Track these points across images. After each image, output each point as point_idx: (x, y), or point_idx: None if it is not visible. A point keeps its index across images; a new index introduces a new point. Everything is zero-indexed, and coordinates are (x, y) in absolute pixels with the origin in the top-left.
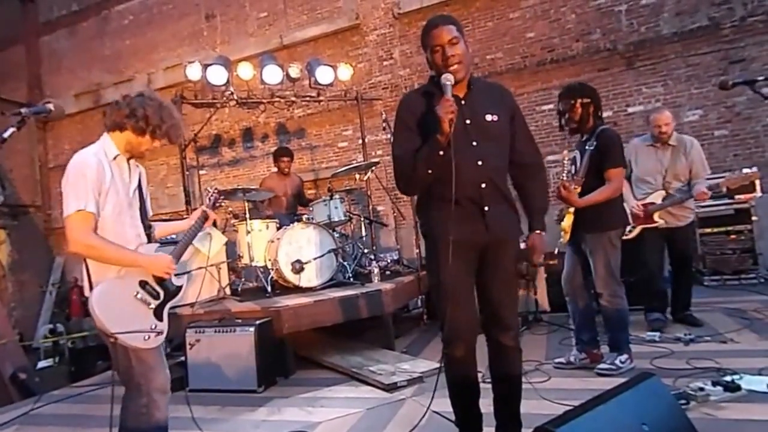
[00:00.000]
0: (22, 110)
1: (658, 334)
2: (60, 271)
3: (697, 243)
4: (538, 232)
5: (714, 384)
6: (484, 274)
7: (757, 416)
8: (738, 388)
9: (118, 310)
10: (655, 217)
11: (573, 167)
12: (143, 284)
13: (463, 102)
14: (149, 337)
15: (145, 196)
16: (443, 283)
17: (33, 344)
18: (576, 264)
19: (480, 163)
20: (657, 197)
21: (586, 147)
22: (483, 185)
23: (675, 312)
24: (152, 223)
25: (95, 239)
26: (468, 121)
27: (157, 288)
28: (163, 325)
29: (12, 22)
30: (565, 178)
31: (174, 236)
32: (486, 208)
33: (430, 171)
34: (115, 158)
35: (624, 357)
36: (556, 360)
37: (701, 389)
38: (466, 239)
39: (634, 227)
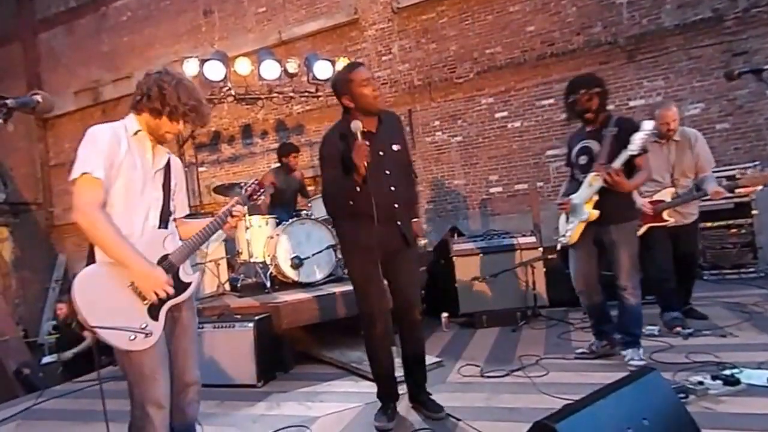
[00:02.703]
0: (8, 101)
1: (657, 328)
2: (63, 269)
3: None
4: (416, 220)
5: (713, 378)
6: (394, 270)
7: (757, 410)
8: (738, 382)
9: (104, 299)
10: (665, 215)
11: (585, 157)
12: None
13: (374, 134)
14: (135, 338)
15: (174, 187)
16: (361, 280)
17: (38, 340)
18: (593, 259)
19: (393, 188)
20: (666, 195)
21: (603, 134)
22: (396, 205)
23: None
24: (173, 216)
25: (97, 215)
26: (381, 153)
27: None
28: (157, 327)
29: (9, 20)
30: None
31: None
32: (399, 223)
33: (351, 202)
34: (135, 134)
35: (642, 350)
36: (579, 351)
37: (701, 383)
38: (382, 245)
39: (640, 226)
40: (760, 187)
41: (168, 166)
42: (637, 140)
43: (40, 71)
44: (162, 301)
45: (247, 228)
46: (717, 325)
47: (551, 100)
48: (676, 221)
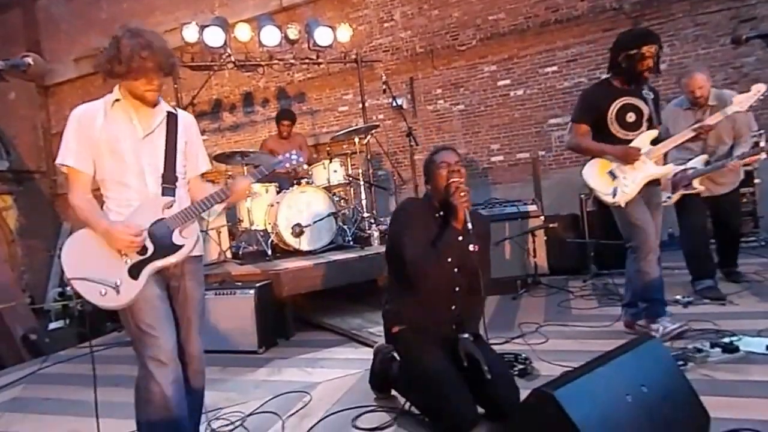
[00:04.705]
0: None
1: None
2: (67, 236)
3: None
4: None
5: (713, 345)
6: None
7: (755, 377)
8: (737, 349)
9: (86, 256)
10: (695, 183)
11: (632, 114)
12: None
13: (460, 239)
14: (106, 293)
15: (180, 147)
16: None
17: (44, 307)
18: None
19: (453, 307)
20: (699, 162)
21: (645, 95)
22: (453, 326)
23: (721, 266)
24: (178, 180)
25: (75, 199)
26: (456, 269)
27: (146, 241)
28: (134, 286)
29: None
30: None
31: None
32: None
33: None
34: (116, 103)
35: None
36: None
37: (699, 350)
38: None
39: (673, 194)
40: (763, 156)
41: (172, 126)
42: (745, 100)
43: (39, 38)
44: (149, 260)
45: (248, 196)
46: None
47: (554, 68)
48: (710, 190)
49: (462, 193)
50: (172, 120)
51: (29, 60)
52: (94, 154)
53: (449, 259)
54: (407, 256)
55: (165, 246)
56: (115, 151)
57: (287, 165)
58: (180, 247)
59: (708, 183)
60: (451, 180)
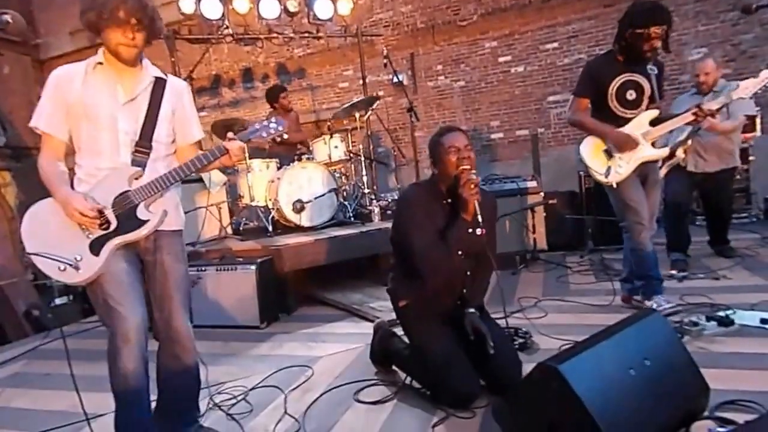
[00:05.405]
0: None
1: None
2: None
3: None
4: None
5: (708, 319)
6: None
7: (749, 349)
8: (732, 322)
9: (47, 229)
10: (679, 153)
11: (633, 92)
12: None
13: (469, 230)
14: (65, 269)
15: (163, 114)
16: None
17: (47, 283)
18: None
19: (464, 290)
20: (685, 132)
21: (649, 71)
22: (459, 302)
23: (712, 243)
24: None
25: (41, 160)
26: (464, 256)
27: (110, 216)
28: (95, 262)
29: None
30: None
31: None
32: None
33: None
34: (98, 65)
35: None
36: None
37: (695, 324)
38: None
39: (661, 167)
40: (759, 133)
41: (157, 91)
42: (751, 86)
43: (33, 11)
44: (111, 235)
45: (248, 172)
46: (710, 267)
47: (555, 44)
48: (697, 167)
49: (473, 185)
50: (159, 85)
51: (7, 17)
52: (71, 119)
53: (458, 251)
54: (416, 252)
55: (129, 221)
56: (90, 116)
57: (264, 135)
58: (144, 222)
59: (694, 157)
60: (462, 168)
